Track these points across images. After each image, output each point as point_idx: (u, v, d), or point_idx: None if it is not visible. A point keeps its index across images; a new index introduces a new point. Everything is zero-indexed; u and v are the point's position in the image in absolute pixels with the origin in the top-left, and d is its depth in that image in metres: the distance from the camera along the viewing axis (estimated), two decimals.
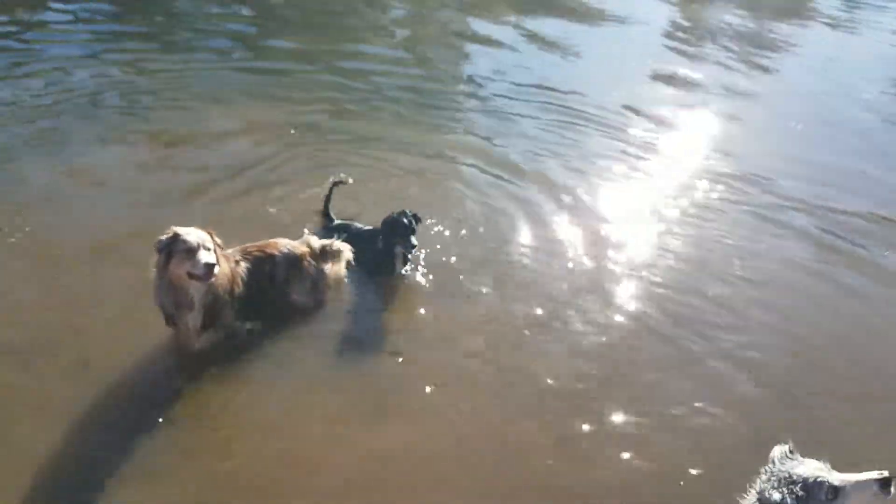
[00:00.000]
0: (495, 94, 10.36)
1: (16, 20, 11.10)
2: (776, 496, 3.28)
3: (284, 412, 4.82)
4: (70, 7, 11.75)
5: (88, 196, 6.81)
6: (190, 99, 9.10)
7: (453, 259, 6.52)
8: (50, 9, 11.61)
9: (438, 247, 6.62)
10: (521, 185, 7.91)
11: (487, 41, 12.78)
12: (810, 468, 3.33)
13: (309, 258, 5.64)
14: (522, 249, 6.81)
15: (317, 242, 5.75)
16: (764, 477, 3.42)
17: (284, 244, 5.53)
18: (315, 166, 7.83)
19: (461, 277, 6.32)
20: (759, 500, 3.38)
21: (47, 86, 8.94)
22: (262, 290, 5.32)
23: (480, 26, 13.60)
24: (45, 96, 8.68)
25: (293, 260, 5.53)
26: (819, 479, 3.25)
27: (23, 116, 8.14)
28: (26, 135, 7.73)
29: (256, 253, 5.34)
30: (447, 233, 6.87)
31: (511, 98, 10.26)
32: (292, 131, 8.51)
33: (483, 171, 8.13)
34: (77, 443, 4.41)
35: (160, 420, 4.60)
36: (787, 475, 3.31)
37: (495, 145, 8.76)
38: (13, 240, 5.95)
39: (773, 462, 3.42)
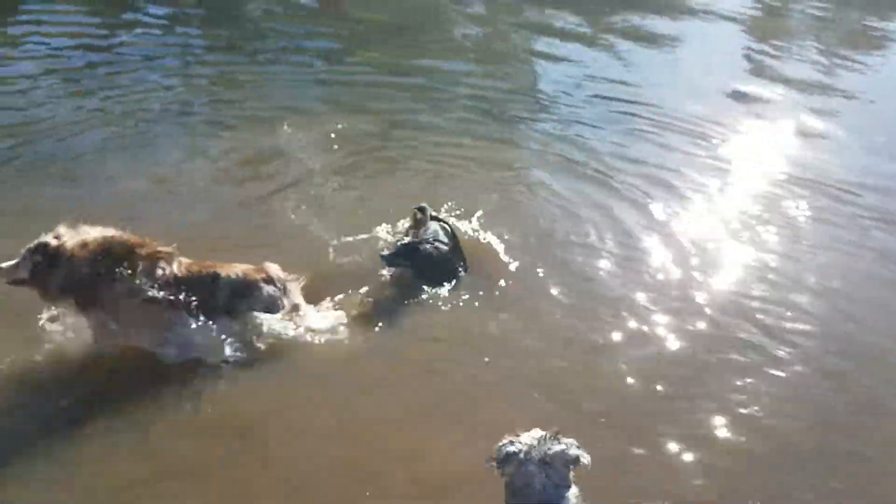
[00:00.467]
0: (573, 105, 10.33)
1: (108, 28, 11.74)
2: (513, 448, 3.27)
3: (345, 416, 4.83)
4: (160, 20, 12.43)
5: (165, 202, 7.02)
6: (271, 109, 9.34)
7: (532, 267, 6.47)
8: (141, 21, 12.26)
9: (516, 255, 6.58)
10: (601, 195, 7.87)
11: (562, 53, 12.77)
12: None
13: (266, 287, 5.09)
14: (605, 258, 6.77)
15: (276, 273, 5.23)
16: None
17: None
18: (387, 174, 8.03)
19: (539, 285, 6.28)
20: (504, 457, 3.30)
21: (136, 93, 9.33)
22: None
23: (554, 39, 13.60)
24: (132, 104, 9.05)
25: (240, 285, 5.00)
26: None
27: (111, 122, 8.50)
28: (113, 140, 8.07)
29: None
30: (527, 241, 6.86)
31: (589, 108, 10.24)
32: (338, 126, 8.73)
33: (563, 180, 8.12)
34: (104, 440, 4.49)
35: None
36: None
37: (574, 155, 8.73)
38: None
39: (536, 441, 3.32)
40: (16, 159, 7.50)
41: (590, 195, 7.87)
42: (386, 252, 6.08)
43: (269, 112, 9.26)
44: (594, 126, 9.64)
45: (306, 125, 8.91)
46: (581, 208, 7.57)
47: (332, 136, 8.61)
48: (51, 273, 4.67)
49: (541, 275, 6.44)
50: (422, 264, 6.04)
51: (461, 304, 6.03)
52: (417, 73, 11.26)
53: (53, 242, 4.70)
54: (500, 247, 6.65)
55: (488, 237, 6.74)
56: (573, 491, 3.31)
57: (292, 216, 6.86)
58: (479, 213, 7.06)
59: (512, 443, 3.33)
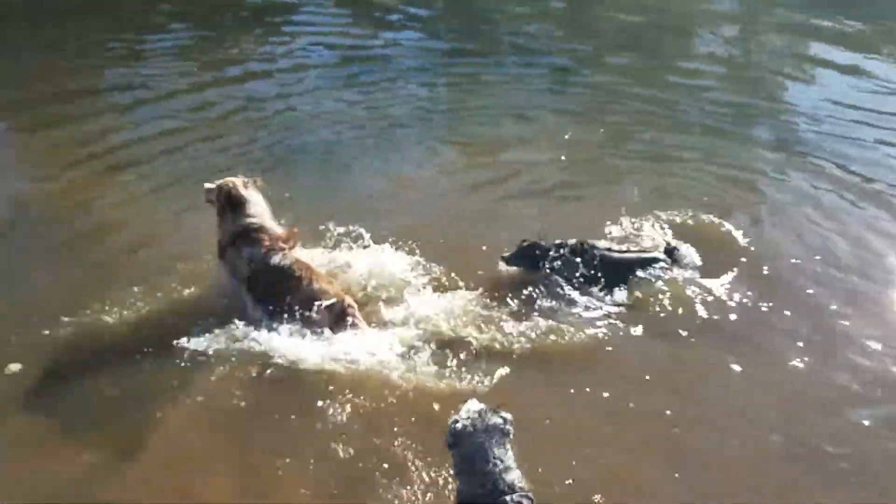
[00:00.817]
0: (838, 124, 9.30)
1: (368, 31, 12.53)
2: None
3: None
4: (413, 25, 13.13)
5: (401, 202, 7.18)
6: (509, 114, 9.46)
7: (765, 299, 5.82)
8: (395, 25, 13.03)
9: (745, 282, 5.92)
10: (876, 213, 7.14)
11: (834, 61, 11.61)
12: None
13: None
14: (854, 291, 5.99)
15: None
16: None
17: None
18: (614, 184, 7.78)
19: (771, 320, 5.65)
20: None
21: (385, 94, 9.84)
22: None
23: (822, 44, 12.42)
24: (382, 104, 9.52)
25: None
26: None
27: (360, 121, 9.01)
28: (361, 139, 8.52)
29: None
30: (758, 266, 6.20)
31: (857, 131, 9.12)
32: (567, 134, 8.53)
33: (835, 194, 7.47)
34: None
35: None
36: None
37: (850, 171, 7.95)
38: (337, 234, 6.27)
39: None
40: (276, 145, 8.26)
41: (858, 212, 7.11)
42: (507, 253, 5.94)
43: (507, 117, 9.40)
44: (856, 155, 8.49)
45: (541, 131, 8.94)
46: (833, 236, 6.78)
47: (565, 143, 8.53)
48: (225, 213, 5.37)
49: (773, 308, 5.76)
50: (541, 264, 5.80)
51: (658, 336, 5.44)
52: (659, 81, 10.82)
53: (235, 192, 5.33)
54: (728, 274, 6.05)
55: (713, 257, 6.22)
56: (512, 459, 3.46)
57: (515, 222, 6.84)
58: (710, 228, 6.65)
59: (457, 421, 3.49)
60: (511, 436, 3.46)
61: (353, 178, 7.63)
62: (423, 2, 14.28)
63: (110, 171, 7.46)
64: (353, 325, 5.01)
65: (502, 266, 5.94)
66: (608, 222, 6.63)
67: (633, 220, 6.67)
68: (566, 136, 8.67)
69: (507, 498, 3.32)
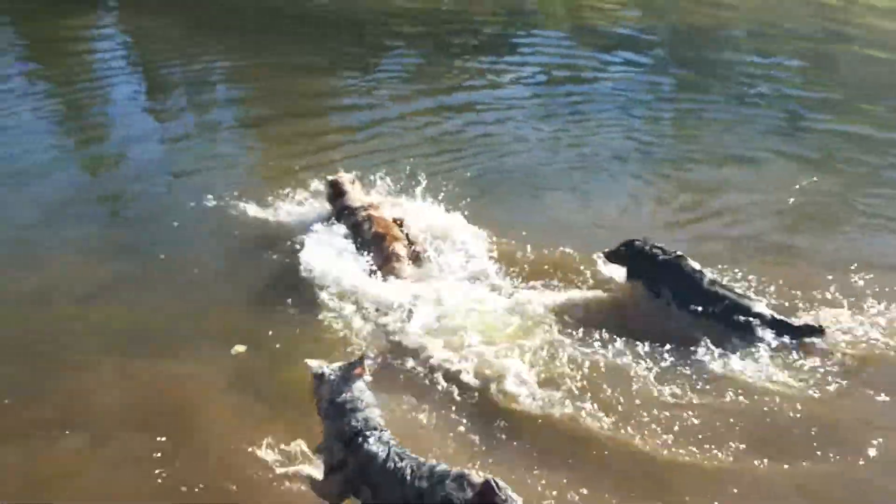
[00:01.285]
0: None
1: (588, 60, 12.62)
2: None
3: None
4: (637, 58, 12.95)
5: (596, 235, 6.97)
6: (726, 154, 9.06)
7: None
8: (618, 56, 12.92)
9: None
10: None
11: None
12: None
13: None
14: None
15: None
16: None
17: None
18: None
19: None
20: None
21: (599, 125, 9.77)
22: None
23: None
24: (595, 135, 9.44)
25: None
26: None
27: (573, 149, 8.97)
28: (571, 168, 8.49)
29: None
30: None
31: None
32: (799, 183, 7.81)
33: None
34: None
35: None
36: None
37: None
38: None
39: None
40: (487, 169, 8.39)
41: None
42: (607, 249, 5.95)
43: (729, 157, 9.01)
44: None
45: (764, 176, 8.49)
46: None
47: (789, 190, 8.00)
48: (333, 197, 6.79)
49: None
50: (640, 267, 5.67)
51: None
52: None
53: (338, 181, 6.81)
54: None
55: None
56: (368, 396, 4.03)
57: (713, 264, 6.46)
58: None
59: (321, 367, 4.10)
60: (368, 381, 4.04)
61: (554, 207, 7.62)
62: (654, 36, 14.08)
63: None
64: (393, 270, 5.95)
65: (602, 263, 6.09)
66: (819, 286, 6.05)
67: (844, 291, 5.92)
68: (793, 184, 8.10)
69: (367, 433, 3.82)
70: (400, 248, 6.19)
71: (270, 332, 5.48)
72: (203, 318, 5.70)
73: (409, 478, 3.63)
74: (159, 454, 4.40)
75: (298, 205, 7.18)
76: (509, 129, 9.63)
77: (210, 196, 7.17)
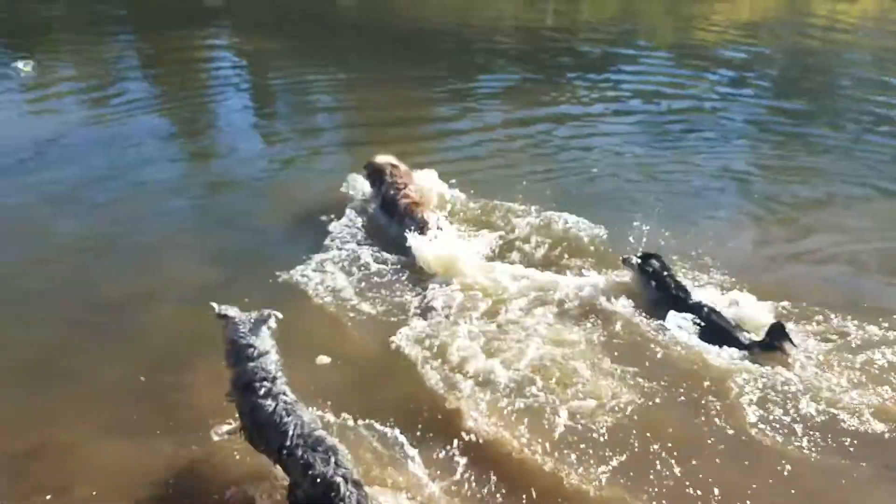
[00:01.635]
0: None
1: (701, 89, 12.25)
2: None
3: None
4: (747, 91, 12.52)
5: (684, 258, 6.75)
6: (841, 183, 8.60)
7: None
8: (733, 81, 12.53)
9: None
10: None
11: None
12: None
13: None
14: None
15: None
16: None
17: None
18: None
19: None
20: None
21: (698, 151, 9.48)
22: None
23: None
24: (694, 159, 9.15)
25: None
26: None
27: (669, 176, 8.68)
28: (661, 194, 8.14)
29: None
30: None
31: None
32: None
33: None
34: None
35: None
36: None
37: None
38: None
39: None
40: (578, 189, 8.24)
41: None
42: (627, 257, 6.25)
43: (829, 193, 8.48)
44: None
45: (873, 215, 7.97)
46: None
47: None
48: (373, 180, 7.40)
49: None
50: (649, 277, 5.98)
51: None
52: None
53: (376, 164, 7.42)
54: None
55: None
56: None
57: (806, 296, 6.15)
58: None
59: (226, 308, 4.34)
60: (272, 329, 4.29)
61: (642, 227, 7.13)
62: (763, 59, 13.64)
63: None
64: (425, 234, 6.66)
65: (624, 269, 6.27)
66: None
67: None
68: None
69: (260, 382, 4.07)
70: (430, 216, 6.88)
71: (353, 345, 5.57)
72: (293, 328, 5.77)
73: (290, 434, 3.88)
74: None
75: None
76: (603, 145, 9.51)
77: (313, 207, 7.38)
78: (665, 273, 6.05)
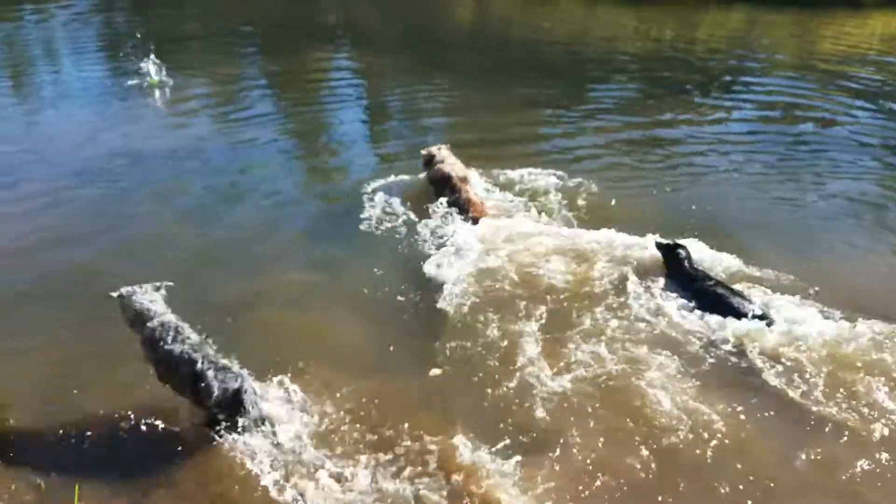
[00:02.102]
0: None
1: (831, 110, 11.65)
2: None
3: None
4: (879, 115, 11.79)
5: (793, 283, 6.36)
6: None
7: None
8: (865, 103, 11.85)
9: None
10: None
11: None
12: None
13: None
14: None
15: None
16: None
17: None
18: None
19: None
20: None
21: (827, 172, 9.02)
22: None
23: None
24: (829, 182, 8.72)
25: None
26: None
27: (775, 201, 8.20)
28: (768, 220, 7.75)
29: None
30: None
31: None
32: None
33: None
34: None
35: None
36: None
37: None
38: None
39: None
40: (692, 207, 7.87)
41: None
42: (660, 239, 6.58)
43: None
44: None
45: None
46: None
47: None
48: (428, 164, 8.12)
49: None
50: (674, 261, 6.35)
51: None
52: None
53: (430, 153, 8.14)
54: None
55: None
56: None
57: None
58: None
59: (120, 290, 5.14)
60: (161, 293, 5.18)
61: (757, 250, 6.91)
62: None
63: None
64: (470, 217, 7.38)
65: (651, 246, 6.61)
66: None
67: None
68: None
69: (165, 328, 4.87)
70: (473, 195, 7.65)
71: (467, 356, 5.57)
72: (400, 342, 5.86)
73: (199, 362, 4.70)
74: None
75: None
76: (724, 165, 9.17)
77: (418, 219, 7.52)
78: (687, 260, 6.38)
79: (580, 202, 7.85)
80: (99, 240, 7.42)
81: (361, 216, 7.67)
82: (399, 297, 6.32)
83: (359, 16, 20.58)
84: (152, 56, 12.63)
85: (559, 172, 8.39)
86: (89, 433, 4.91)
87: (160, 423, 4.89)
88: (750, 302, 5.85)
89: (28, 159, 9.53)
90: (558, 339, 5.67)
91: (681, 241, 6.55)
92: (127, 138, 10.19)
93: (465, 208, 7.47)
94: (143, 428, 4.88)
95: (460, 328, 5.86)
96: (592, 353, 5.50)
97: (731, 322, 5.70)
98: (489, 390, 5.20)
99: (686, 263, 6.32)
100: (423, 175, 8.23)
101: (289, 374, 5.27)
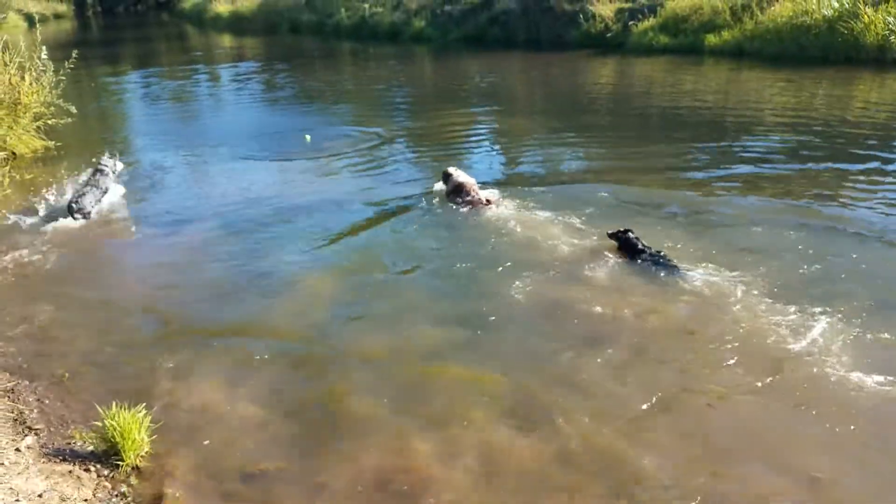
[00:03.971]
0: None
1: None
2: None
3: None
4: None
5: None
6: None
7: None
8: None
9: None
10: None
11: None
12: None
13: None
14: None
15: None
16: None
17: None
18: None
19: None
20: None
21: None
22: None
23: None
24: None
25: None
26: None
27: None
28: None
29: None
30: None
31: None
32: None
33: None
34: None
35: None
36: None
37: None
38: None
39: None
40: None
41: None
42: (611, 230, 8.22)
43: None
44: None
45: None
46: None
47: None
48: (444, 179, 10.21)
49: None
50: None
51: None
52: None
53: (449, 172, 10.17)
54: None
55: None
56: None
57: None
58: None
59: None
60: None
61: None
62: None
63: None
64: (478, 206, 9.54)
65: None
66: None
67: None
68: None
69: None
70: (479, 195, 9.66)
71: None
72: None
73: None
74: None
75: None
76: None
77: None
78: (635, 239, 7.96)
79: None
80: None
81: (495, 279, 7.66)
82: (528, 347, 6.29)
83: (500, 81, 21.31)
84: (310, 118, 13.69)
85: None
86: None
87: None
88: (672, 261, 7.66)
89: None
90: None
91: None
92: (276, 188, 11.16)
93: (475, 202, 9.54)
94: None
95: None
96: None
97: (658, 269, 7.52)
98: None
99: (634, 240, 7.95)
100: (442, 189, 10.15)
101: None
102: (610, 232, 8.18)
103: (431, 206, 9.84)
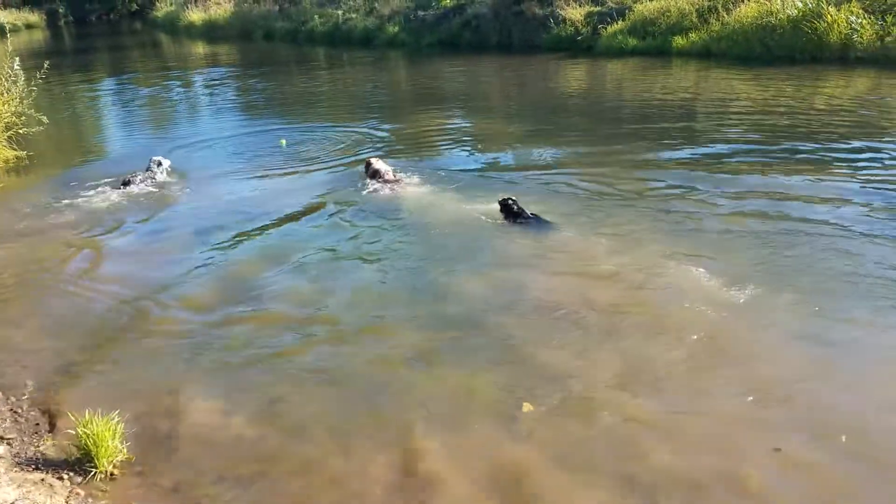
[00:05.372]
0: None
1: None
2: None
3: None
4: None
5: None
6: None
7: None
8: None
9: None
10: None
11: None
12: None
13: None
14: None
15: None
16: None
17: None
18: None
19: None
20: None
21: None
22: None
23: None
24: None
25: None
26: None
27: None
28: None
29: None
30: None
31: None
32: None
33: None
34: None
35: None
36: None
37: None
38: None
39: None
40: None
41: None
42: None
43: None
44: None
45: None
46: None
47: None
48: (367, 168, 11.55)
49: None
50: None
51: None
52: None
53: (369, 161, 11.64)
54: None
55: None
56: None
57: None
58: None
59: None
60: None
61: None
62: None
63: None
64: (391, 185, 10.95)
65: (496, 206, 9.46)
66: None
67: None
68: None
69: None
70: (392, 175, 11.23)
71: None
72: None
73: None
74: None
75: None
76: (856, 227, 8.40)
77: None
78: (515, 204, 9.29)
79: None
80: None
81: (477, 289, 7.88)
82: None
83: (472, 85, 21.46)
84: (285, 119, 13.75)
85: None
86: None
87: None
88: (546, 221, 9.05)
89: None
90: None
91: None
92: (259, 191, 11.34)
93: (388, 180, 11.06)
94: None
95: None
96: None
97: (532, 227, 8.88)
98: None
99: (515, 206, 9.24)
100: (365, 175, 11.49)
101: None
102: (500, 199, 9.51)
103: (357, 188, 11.10)
